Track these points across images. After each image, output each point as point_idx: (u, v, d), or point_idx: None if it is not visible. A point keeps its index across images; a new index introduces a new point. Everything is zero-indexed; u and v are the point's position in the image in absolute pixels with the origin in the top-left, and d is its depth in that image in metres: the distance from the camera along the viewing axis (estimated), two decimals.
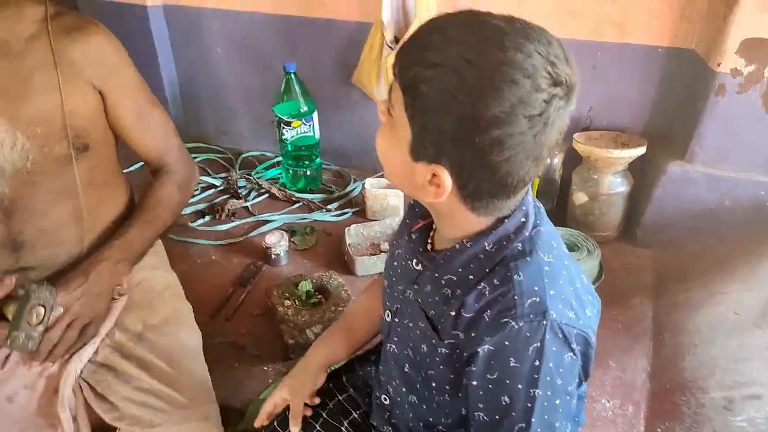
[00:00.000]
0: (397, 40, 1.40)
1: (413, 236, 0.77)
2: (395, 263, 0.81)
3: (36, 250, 1.02)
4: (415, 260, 0.75)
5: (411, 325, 0.75)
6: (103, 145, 1.06)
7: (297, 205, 1.63)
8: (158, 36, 1.74)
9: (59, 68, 0.94)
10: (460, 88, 0.56)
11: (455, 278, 0.68)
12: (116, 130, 1.06)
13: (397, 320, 0.79)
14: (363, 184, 1.59)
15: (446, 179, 0.61)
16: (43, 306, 0.87)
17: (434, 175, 0.62)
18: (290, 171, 1.67)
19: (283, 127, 1.57)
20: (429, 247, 0.75)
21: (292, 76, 1.52)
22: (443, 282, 0.70)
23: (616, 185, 1.36)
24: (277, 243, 1.38)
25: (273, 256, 1.38)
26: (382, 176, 1.64)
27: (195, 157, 1.74)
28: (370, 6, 1.47)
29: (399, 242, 0.82)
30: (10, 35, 0.91)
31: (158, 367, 0.94)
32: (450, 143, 0.59)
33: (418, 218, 0.78)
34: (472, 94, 0.55)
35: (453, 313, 0.67)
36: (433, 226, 0.75)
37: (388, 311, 0.81)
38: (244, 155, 1.85)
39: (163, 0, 1.70)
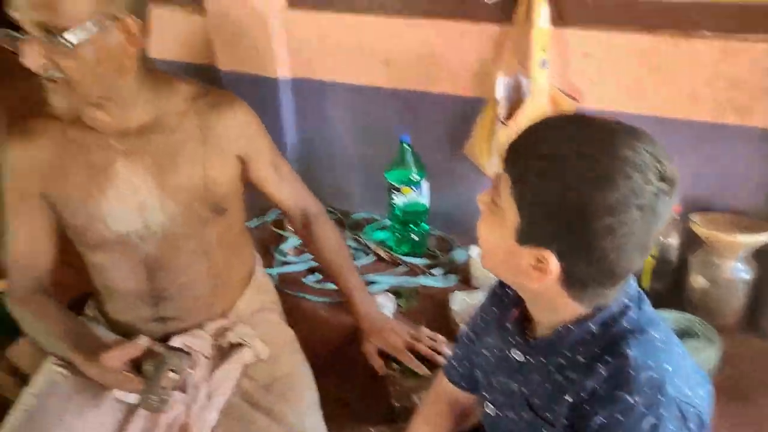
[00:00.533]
0: (509, 116, 1.45)
1: (508, 326, 0.78)
2: (487, 352, 0.82)
3: (173, 303, 1.14)
4: (515, 350, 0.76)
5: (519, 415, 0.76)
6: (235, 208, 1.19)
7: (402, 268, 1.69)
8: (285, 104, 1.91)
9: (205, 142, 1.07)
10: (576, 178, 0.60)
11: (565, 363, 0.69)
12: (258, 187, 1.19)
13: (501, 414, 0.79)
14: (468, 252, 1.63)
15: (553, 264, 0.64)
16: (175, 371, 0.96)
17: (540, 260, 0.64)
18: (397, 234, 1.74)
19: (394, 193, 1.65)
20: (528, 335, 0.76)
21: (406, 146, 1.61)
22: (553, 369, 0.70)
23: (739, 271, 1.30)
24: (385, 305, 1.43)
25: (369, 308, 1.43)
26: None
27: None
28: (484, 84, 1.55)
29: (487, 330, 0.83)
30: (164, 113, 1.05)
31: (285, 418, 1.00)
32: (561, 229, 0.62)
33: (510, 307, 0.80)
34: (587, 184, 0.59)
35: (568, 398, 0.68)
36: (528, 313, 0.76)
37: (488, 403, 0.81)
38: (353, 216, 1.95)
39: (292, 74, 1.87)
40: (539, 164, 0.62)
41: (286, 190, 1.26)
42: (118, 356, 0.98)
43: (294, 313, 1.47)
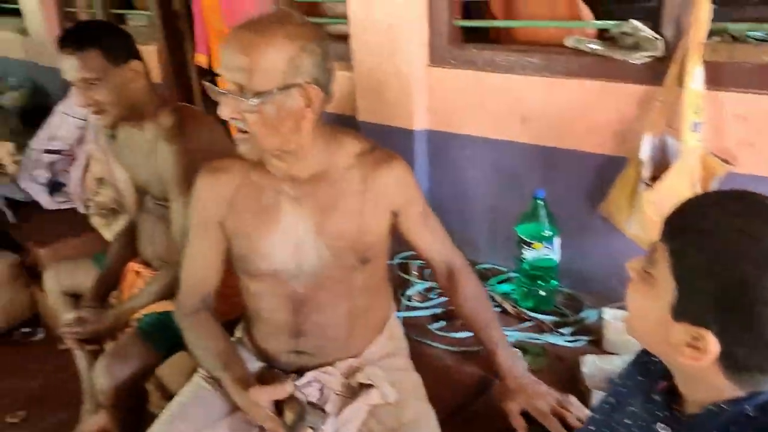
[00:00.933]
0: (654, 178, 1.42)
1: (656, 398, 0.75)
2: (629, 421, 0.78)
3: (312, 339, 1.23)
4: (662, 425, 0.73)
5: None
6: (380, 257, 1.26)
7: (528, 324, 1.66)
8: (419, 154, 2.00)
9: (365, 195, 1.15)
10: (741, 257, 0.58)
11: None
12: (406, 237, 1.27)
13: None
14: (600, 313, 1.58)
15: (712, 345, 0.61)
16: (313, 429, 1.04)
17: (696, 338, 0.62)
18: (524, 288, 1.73)
19: (524, 247, 1.65)
20: (676, 409, 0.73)
21: (540, 201, 1.61)
22: None
23: None
24: None
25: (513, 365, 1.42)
26: (621, 307, 1.60)
27: None
28: (626, 143, 1.53)
29: (629, 399, 0.79)
30: (332, 165, 1.15)
31: None
32: (724, 309, 0.60)
33: (657, 377, 0.77)
34: (754, 264, 0.57)
35: None
36: (677, 387, 0.73)
37: None
38: (478, 266, 1.97)
39: (428, 126, 1.96)
40: (702, 239, 0.61)
41: (433, 242, 1.32)
42: (267, 394, 1.07)
43: (418, 360, 1.49)
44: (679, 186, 1.37)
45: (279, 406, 1.08)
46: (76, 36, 1.46)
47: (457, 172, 1.96)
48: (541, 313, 1.69)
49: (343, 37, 2.08)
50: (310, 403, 1.09)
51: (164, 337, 1.53)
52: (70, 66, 1.46)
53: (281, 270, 1.16)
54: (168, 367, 1.68)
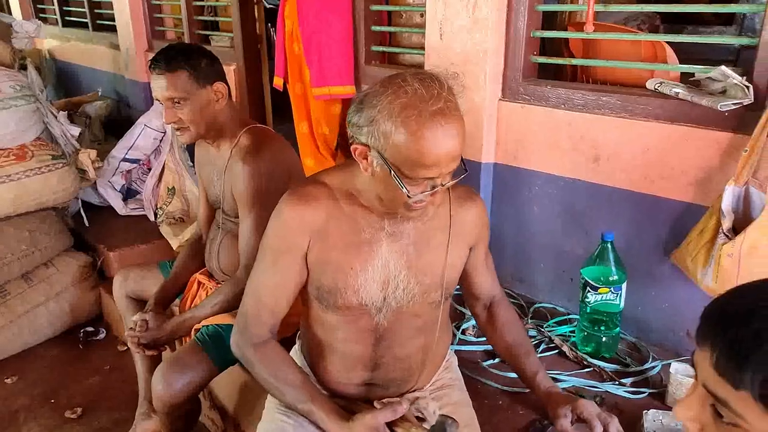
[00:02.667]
0: (735, 230, 1.35)
1: None
2: None
3: (387, 371, 1.24)
4: None
5: None
6: (451, 294, 1.25)
7: (587, 370, 1.60)
8: (484, 186, 1.98)
9: (451, 231, 1.17)
10: None
11: None
12: (467, 272, 1.28)
13: None
14: (666, 365, 1.50)
15: None
16: None
17: None
18: (584, 332, 1.67)
19: (589, 291, 1.60)
20: None
21: (609, 244, 1.56)
22: None
23: None
24: None
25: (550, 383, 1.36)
26: (688, 361, 1.52)
27: None
28: (705, 191, 1.47)
29: None
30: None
31: None
32: None
33: None
34: None
35: None
36: None
37: None
38: (536, 305, 1.92)
39: (496, 159, 1.95)
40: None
41: (488, 279, 1.33)
42: (386, 415, 1.07)
43: (470, 395, 1.46)
44: (761, 241, 1.30)
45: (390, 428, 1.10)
46: (167, 57, 1.55)
47: (522, 208, 1.94)
48: (602, 360, 1.63)
49: (419, 68, 2.11)
50: (445, 416, 1.08)
51: (222, 350, 1.55)
52: (159, 85, 1.54)
53: (369, 304, 1.15)
54: (219, 379, 1.72)
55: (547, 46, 2.02)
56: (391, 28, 2.36)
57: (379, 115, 0.96)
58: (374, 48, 2.32)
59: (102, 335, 2.58)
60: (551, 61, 1.83)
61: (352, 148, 1.03)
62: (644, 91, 1.59)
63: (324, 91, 2.34)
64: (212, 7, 3.44)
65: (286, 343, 1.38)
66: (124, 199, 3.14)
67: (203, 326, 1.63)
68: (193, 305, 1.75)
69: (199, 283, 1.82)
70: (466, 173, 1.07)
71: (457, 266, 1.21)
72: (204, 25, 3.45)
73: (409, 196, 1.01)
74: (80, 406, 2.15)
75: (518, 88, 1.84)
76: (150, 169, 3.11)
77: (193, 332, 1.65)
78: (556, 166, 1.81)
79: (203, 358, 1.53)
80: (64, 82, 5.17)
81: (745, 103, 1.37)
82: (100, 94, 4.22)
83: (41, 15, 5.38)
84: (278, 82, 2.53)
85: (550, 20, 1.98)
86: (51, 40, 5.18)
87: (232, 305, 1.59)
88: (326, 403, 1.14)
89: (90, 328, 2.60)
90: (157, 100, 1.60)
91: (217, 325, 1.61)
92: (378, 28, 2.31)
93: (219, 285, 1.75)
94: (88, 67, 4.75)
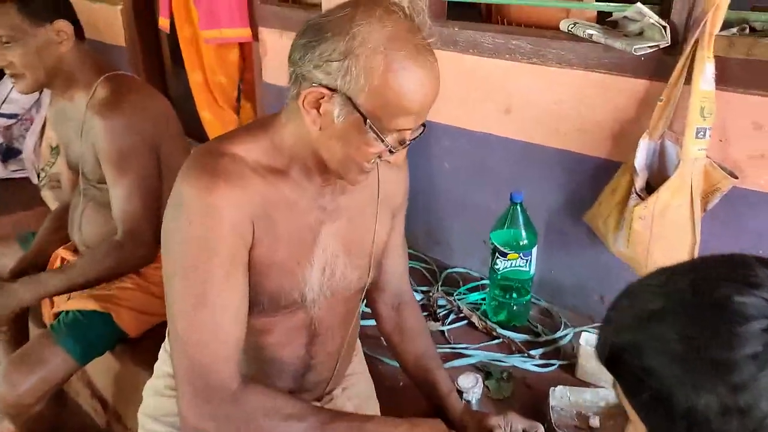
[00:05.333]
0: (648, 188, 1.23)
1: None
2: None
3: (317, 374, 1.05)
4: None
5: None
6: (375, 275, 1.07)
7: (496, 342, 1.48)
8: None
9: (378, 199, 0.98)
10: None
11: None
12: (384, 255, 1.08)
13: None
14: (578, 334, 1.40)
15: None
16: None
17: None
18: (495, 300, 1.55)
19: (498, 257, 1.47)
20: None
21: (518, 206, 1.42)
22: None
23: None
24: (472, 388, 1.24)
25: (463, 401, 1.24)
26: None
27: None
28: (620, 146, 1.34)
29: None
30: None
31: None
32: None
33: None
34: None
35: None
36: None
37: None
38: (448, 270, 1.78)
39: None
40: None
41: (401, 264, 1.14)
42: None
43: (372, 376, 1.32)
44: (675, 201, 1.18)
45: None
46: None
47: (432, 165, 1.77)
48: (513, 330, 1.51)
49: (318, 6, 1.87)
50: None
51: (83, 341, 1.34)
52: None
53: (308, 298, 0.94)
54: (96, 367, 1.51)
55: None
56: None
57: (360, 47, 0.74)
58: None
59: None
60: None
61: (302, 93, 0.79)
62: (557, 34, 1.42)
63: (215, 34, 2.06)
64: None
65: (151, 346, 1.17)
66: (3, 160, 2.78)
67: (61, 313, 1.41)
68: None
69: (62, 259, 1.57)
70: (425, 129, 0.87)
71: (383, 242, 1.03)
72: None
73: (391, 151, 0.81)
74: None
75: None
76: (32, 125, 2.75)
77: (46, 319, 1.42)
78: (466, 119, 1.64)
79: (58, 351, 1.32)
80: None
81: (662, 46, 1.22)
82: None
83: None
84: (164, 23, 2.23)
85: None
86: None
87: (97, 277, 1.36)
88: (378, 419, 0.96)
89: None
90: None
91: (77, 311, 1.39)
92: None
93: None
94: None
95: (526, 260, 1.45)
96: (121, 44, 2.76)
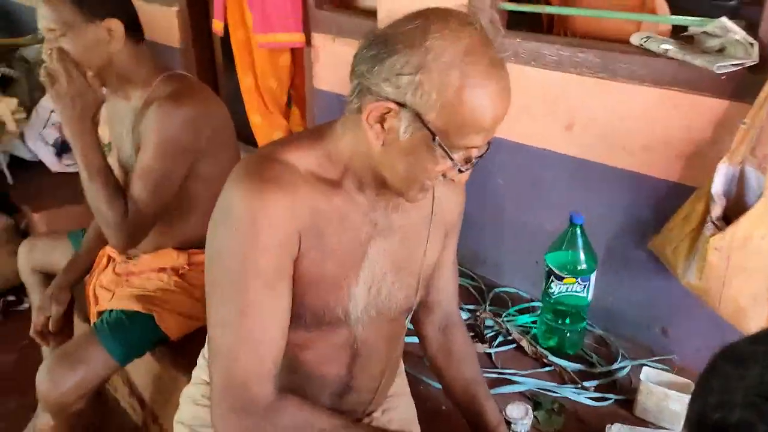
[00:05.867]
0: (726, 219, 1.13)
1: None
2: None
3: (358, 396, 1.00)
4: None
5: None
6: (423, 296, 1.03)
7: (546, 369, 1.41)
8: None
9: (432, 219, 0.94)
10: None
11: None
12: (432, 275, 1.02)
13: None
14: (637, 367, 1.31)
15: None
16: None
17: None
18: (546, 325, 1.47)
19: (553, 280, 1.39)
20: None
21: (578, 228, 1.34)
22: None
23: None
24: (521, 419, 1.17)
25: None
26: (662, 364, 1.34)
27: None
28: (696, 168, 1.25)
29: None
30: None
31: None
32: None
33: None
34: None
35: None
36: None
37: None
38: (497, 290, 1.71)
39: None
40: None
41: (451, 285, 1.08)
42: None
43: (414, 398, 1.27)
44: (758, 231, 1.09)
45: None
46: None
47: (486, 180, 1.70)
48: (565, 358, 1.43)
49: (373, 13, 1.83)
50: None
51: (124, 342, 1.33)
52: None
53: (352, 316, 0.89)
54: (136, 366, 1.50)
55: None
56: None
57: (435, 61, 0.70)
58: None
59: (25, 305, 2.33)
60: (522, 9, 1.55)
61: (367, 107, 0.75)
62: (628, 48, 1.34)
63: (268, 39, 2.04)
64: None
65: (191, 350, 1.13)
66: (58, 154, 2.83)
67: (104, 312, 1.40)
68: (98, 282, 1.51)
69: (109, 257, 1.57)
70: (489, 148, 0.82)
71: (433, 262, 0.98)
72: None
73: (460, 170, 0.78)
74: None
75: None
76: None
77: (91, 317, 1.42)
78: (525, 133, 1.57)
79: (99, 351, 1.30)
80: (6, 22, 4.73)
81: (747, 65, 1.13)
82: (40, 36, 3.84)
83: None
84: (218, 26, 2.23)
85: None
86: None
87: (95, 204, 1.31)
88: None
89: (12, 297, 2.36)
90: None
91: (120, 311, 1.38)
92: None
93: (130, 259, 1.51)
94: (31, 6, 4.33)
95: (584, 285, 1.37)
96: (174, 45, 2.79)
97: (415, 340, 1.27)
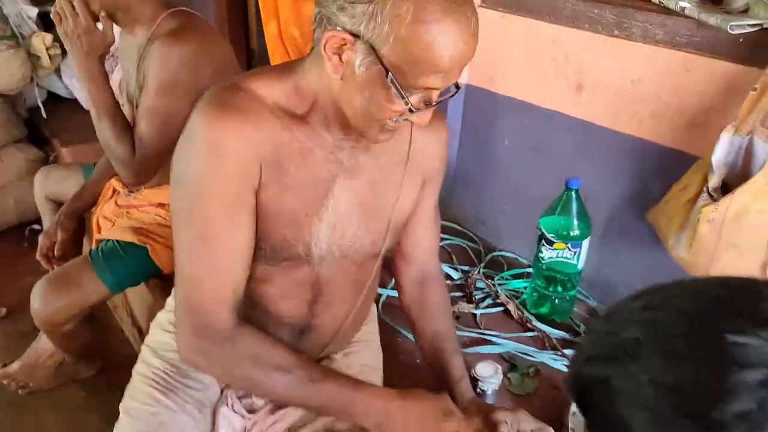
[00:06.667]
0: (725, 189, 1.07)
1: None
2: None
3: (317, 337, 1.02)
4: None
5: None
6: (393, 243, 1.02)
7: (529, 334, 1.38)
8: (452, 110, 1.69)
9: (407, 163, 0.92)
10: None
11: None
12: (411, 224, 1.01)
13: None
14: None
15: None
16: None
17: None
18: (536, 291, 1.44)
19: (544, 244, 1.35)
20: None
21: (573, 193, 1.30)
22: None
23: None
24: (489, 378, 1.16)
25: (479, 390, 1.16)
26: None
27: (444, 239, 1.65)
28: (700, 138, 1.18)
29: None
30: None
31: None
32: None
33: None
34: None
35: None
36: None
37: None
38: (495, 253, 1.68)
39: (467, 80, 1.65)
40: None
41: (431, 236, 1.06)
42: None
43: (387, 349, 1.27)
44: (756, 205, 1.02)
45: None
46: None
47: (491, 140, 1.66)
48: (551, 326, 1.40)
49: None
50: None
51: (117, 271, 1.38)
52: None
53: (314, 254, 0.90)
54: (134, 295, 1.56)
55: None
56: None
57: None
58: None
59: None
60: None
61: (323, 37, 0.75)
62: (645, 4, 1.25)
63: None
64: None
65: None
66: None
67: (102, 241, 1.45)
68: (101, 212, 1.56)
69: (114, 189, 1.62)
70: (458, 91, 0.81)
71: (407, 210, 0.97)
72: None
73: (411, 110, 0.75)
74: (8, 306, 2.04)
75: None
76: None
77: (92, 246, 1.47)
78: (535, 93, 1.51)
79: (92, 277, 1.36)
80: None
81: (765, 26, 1.05)
82: None
83: None
84: None
85: None
86: None
87: (103, 137, 1.38)
88: (368, 385, 0.90)
89: (37, 227, 2.46)
90: None
91: (116, 241, 1.43)
92: None
93: (132, 192, 1.55)
94: None
95: (575, 252, 1.33)
96: None
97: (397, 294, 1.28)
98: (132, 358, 1.83)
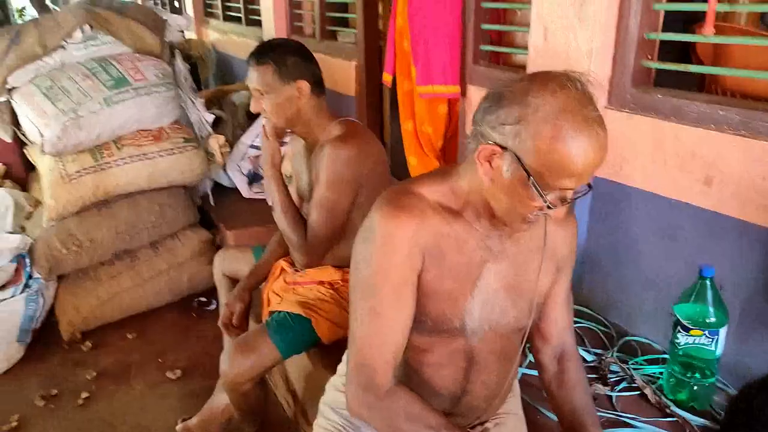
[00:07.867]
0: None
1: None
2: None
3: (472, 400, 1.17)
4: None
5: None
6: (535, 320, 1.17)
7: (669, 420, 1.41)
8: (581, 200, 1.80)
9: (545, 250, 1.08)
10: None
11: None
12: (547, 306, 1.16)
13: None
14: None
15: None
16: None
17: None
18: (674, 377, 1.47)
19: (679, 330, 1.40)
20: None
21: (708, 281, 1.36)
22: None
23: None
24: None
25: None
26: None
27: (576, 322, 1.73)
28: None
29: None
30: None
31: None
32: None
33: None
34: None
35: None
36: None
37: None
38: (627, 338, 1.73)
39: (597, 172, 1.77)
40: None
41: (565, 317, 1.19)
42: None
43: (527, 425, 1.36)
44: None
45: None
46: (259, 52, 1.64)
47: (620, 228, 1.75)
48: (691, 412, 1.42)
49: (524, 68, 2.00)
50: None
51: (286, 339, 1.62)
52: (249, 77, 1.64)
53: (468, 327, 1.07)
54: (293, 364, 1.77)
55: (677, 52, 1.79)
56: (501, 27, 2.25)
57: (532, 114, 0.88)
58: (483, 47, 2.23)
59: (213, 306, 2.81)
60: (664, 67, 1.62)
61: (478, 148, 0.94)
62: None
63: (428, 90, 2.30)
64: (342, 3, 3.55)
65: (339, 354, 1.36)
66: (250, 183, 3.37)
67: (274, 313, 1.71)
68: (271, 288, 1.84)
69: (282, 269, 1.90)
70: (590, 190, 0.97)
71: (545, 289, 1.13)
72: (336, 21, 3.56)
73: (549, 206, 0.92)
74: (181, 368, 2.36)
75: (626, 95, 1.66)
76: None
77: (263, 317, 1.73)
78: (661, 185, 1.60)
79: (268, 343, 1.60)
80: (223, 72, 5.68)
81: None
82: (246, 84, 4.56)
83: (209, 10, 5.96)
84: (387, 78, 2.55)
85: (677, 21, 1.75)
86: (214, 33, 5.72)
87: (283, 228, 1.72)
88: None
89: (203, 298, 2.85)
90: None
91: (286, 313, 1.68)
92: (488, 27, 2.21)
93: (297, 271, 1.81)
94: (242, 59, 5.17)
95: (712, 339, 1.36)
96: (350, 94, 3.20)
97: (535, 372, 1.39)
98: (284, 419, 2.07)
